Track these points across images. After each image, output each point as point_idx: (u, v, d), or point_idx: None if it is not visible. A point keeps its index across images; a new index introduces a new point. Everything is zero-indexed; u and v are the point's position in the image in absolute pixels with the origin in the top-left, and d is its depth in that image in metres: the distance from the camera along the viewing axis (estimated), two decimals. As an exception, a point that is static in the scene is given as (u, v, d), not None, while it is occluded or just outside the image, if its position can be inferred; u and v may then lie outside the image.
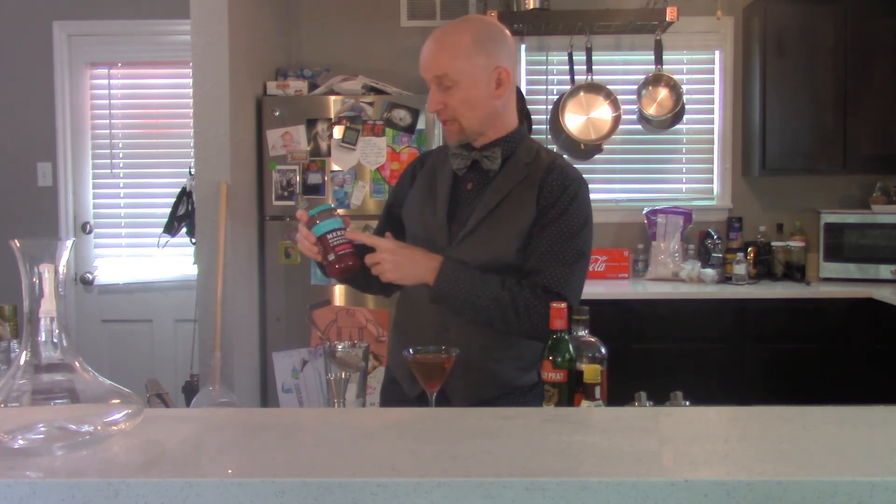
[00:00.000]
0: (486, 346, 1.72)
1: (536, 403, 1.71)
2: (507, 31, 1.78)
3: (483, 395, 1.72)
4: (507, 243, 1.72)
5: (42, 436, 1.06)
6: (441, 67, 1.69)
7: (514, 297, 1.64)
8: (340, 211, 1.93)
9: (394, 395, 1.85)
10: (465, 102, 1.71)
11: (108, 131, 4.39)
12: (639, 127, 4.23)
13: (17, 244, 1.07)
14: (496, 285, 1.65)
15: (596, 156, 4.21)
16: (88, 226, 4.39)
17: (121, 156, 4.40)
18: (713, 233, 4.10)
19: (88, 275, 4.37)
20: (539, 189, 1.73)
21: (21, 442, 1.04)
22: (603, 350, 1.53)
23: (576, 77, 4.10)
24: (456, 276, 1.65)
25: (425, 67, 1.73)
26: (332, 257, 1.65)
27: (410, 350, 1.51)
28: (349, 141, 3.65)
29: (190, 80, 3.39)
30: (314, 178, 3.67)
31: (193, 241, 3.55)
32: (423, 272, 1.65)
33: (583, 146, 4.10)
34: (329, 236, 1.64)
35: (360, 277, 1.78)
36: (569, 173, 1.76)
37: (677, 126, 4.19)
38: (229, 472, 1.00)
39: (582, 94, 4.06)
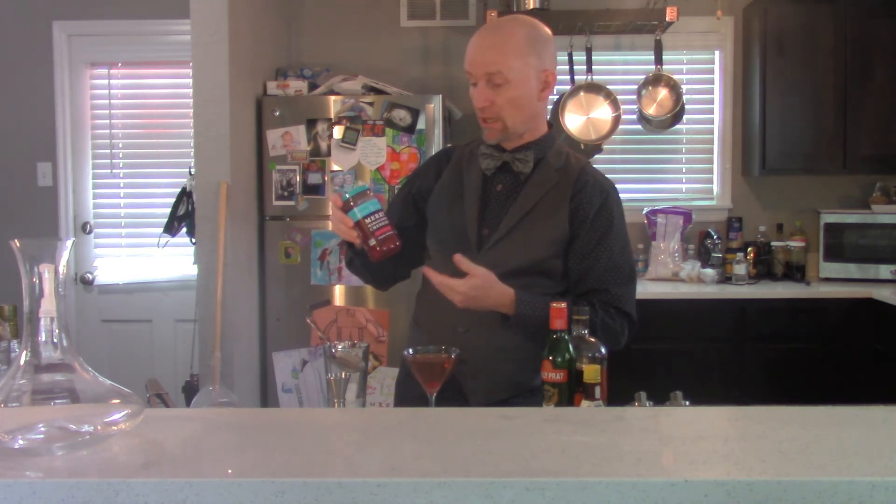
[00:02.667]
0: (505, 348, 1.73)
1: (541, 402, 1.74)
2: (552, 36, 1.78)
3: (500, 396, 1.73)
4: (539, 250, 1.72)
5: (42, 436, 1.06)
6: (496, 64, 1.68)
7: (591, 320, 1.64)
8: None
9: (411, 391, 1.80)
10: (513, 102, 1.71)
11: (108, 131, 4.38)
12: (639, 127, 4.23)
13: (17, 244, 1.07)
14: (580, 312, 1.64)
15: (596, 156, 4.20)
16: (88, 226, 4.39)
17: (121, 156, 4.40)
18: (713, 233, 4.10)
19: (88, 275, 4.37)
20: (572, 197, 1.74)
21: (21, 442, 1.04)
22: (603, 350, 1.53)
23: (576, 77, 4.10)
24: (532, 307, 1.66)
25: (476, 63, 1.70)
26: (373, 242, 1.61)
27: (410, 350, 1.51)
28: (349, 141, 3.64)
29: (190, 80, 3.39)
30: (314, 178, 3.66)
31: (193, 241, 3.55)
32: (499, 307, 1.66)
33: (583, 146, 4.09)
34: (367, 220, 1.61)
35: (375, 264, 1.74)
36: (602, 183, 1.79)
37: (677, 126, 4.19)
38: (229, 472, 1.00)
39: (582, 94, 4.06)
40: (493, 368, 1.71)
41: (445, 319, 1.74)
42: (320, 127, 3.66)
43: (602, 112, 4.07)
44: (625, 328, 1.73)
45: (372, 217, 1.61)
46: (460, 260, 1.61)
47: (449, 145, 1.97)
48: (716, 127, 4.30)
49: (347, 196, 1.62)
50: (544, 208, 1.74)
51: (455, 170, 1.85)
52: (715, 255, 4.01)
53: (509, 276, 1.70)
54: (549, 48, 1.75)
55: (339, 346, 1.53)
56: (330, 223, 1.73)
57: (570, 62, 4.12)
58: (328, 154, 3.66)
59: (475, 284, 1.62)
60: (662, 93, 4.06)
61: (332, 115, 3.66)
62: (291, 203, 3.68)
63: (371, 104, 3.65)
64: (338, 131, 3.65)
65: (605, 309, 1.71)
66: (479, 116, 1.74)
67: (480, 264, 1.68)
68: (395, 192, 2.01)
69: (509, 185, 1.78)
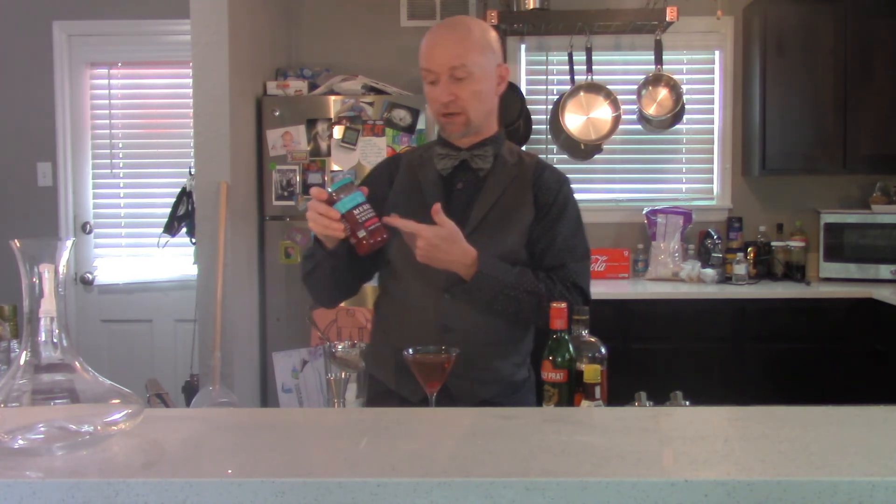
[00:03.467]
0: (489, 345, 1.74)
1: (530, 396, 1.80)
2: None
3: (487, 394, 1.73)
4: (510, 239, 1.74)
5: (42, 436, 1.06)
6: (459, 57, 1.69)
7: (549, 289, 1.69)
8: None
9: (374, 389, 1.80)
10: (476, 95, 1.73)
11: (108, 131, 4.38)
12: (639, 127, 4.23)
13: (17, 244, 1.07)
14: (531, 278, 1.70)
15: (596, 156, 4.21)
16: (88, 226, 4.39)
17: (121, 156, 4.40)
18: (713, 233, 4.10)
19: (88, 275, 4.37)
20: (534, 187, 1.78)
21: (21, 442, 1.04)
22: (603, 350, 1.54)
23: (576, 77, 4.10)
24: (493, 270, 1.66)
25: (439, 58, 1.71)
26: (362, 234, 1.57)
27: (410, 350, 1.51)
28: (349, 141, 3.65)
29: (190, 80, 3.39)
30: (314, 178, 3.66)
31: (193, 241, 3.55)
32: (458, 265, 1.64)
33: (583, 146, 4.10)
34: (355, 212, 1.56)
35: (344, 268, 1.73)
36: (558, 173, 1.86)
37: (677, 126, 4.19)
38: (229, 472, 1.00)
39: (582, 94, 4.06)
40: (480, 367, 1.72)
41: (425, 322, 1.72)
42: (320, 127, 3.66)
43: (602, 112, 4.07)
44: (579, 302, 1.73)
45: (359, 208, 1.57)
46: (437, 210, 1.60)
47: (396, 153, 1.96)
48: (716, 127, 4.30)
49: (333, 188, 1.58)
50: (509, 199, 1.77)
51: (409, 175, 1.84)
52: (715, 255, 4.01)
53: None
54: (498, 45, 1.79)
55: (339, 346, 1.53)
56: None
57: (570, 62, 4.12)
58: (328, 154, 3.66)
59: (441, 234, 1.60)
60: (662, 93, 4.06)
61: (332, 115, 3.66)
62: (291, 203, 3.68)
63: (371, 104, 3.65)
64: (338, 131, 3.65)
65: (564, 283, 1.73)
66: (441, 112, 1.74)
67: None
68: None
69: (470, 183, 1.79)
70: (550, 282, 1.71)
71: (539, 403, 1.51)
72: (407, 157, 1.90)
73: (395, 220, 1.60)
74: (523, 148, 4.22)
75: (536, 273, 1.72)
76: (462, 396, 1.69)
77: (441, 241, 1.61)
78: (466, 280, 1.66)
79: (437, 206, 1.61)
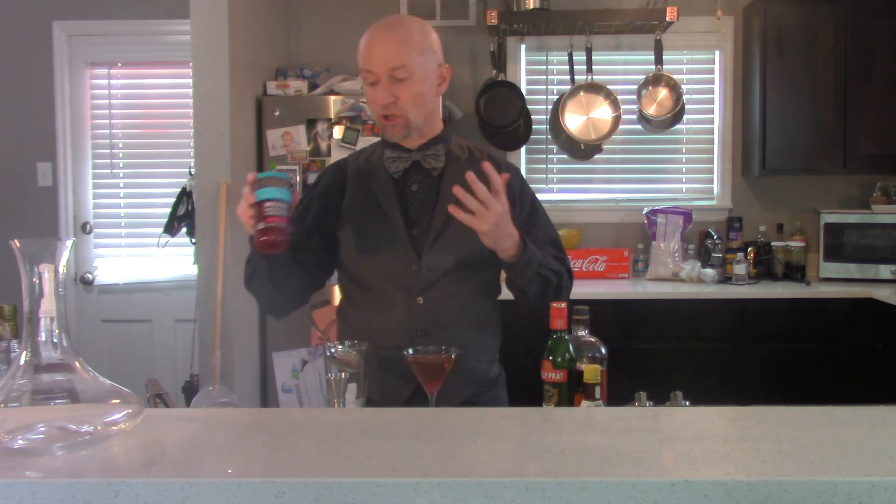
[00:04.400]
0: (465, 346, 1.72)
1: (503, 392, 1.84)
2: None
3: (466, 394, 1.74)
4: (477, 240, 1.71)
5: (42, 436, 1.06)
6: (399, 58, 1.66)
7: (561, 272, 1.76)
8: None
9: None
10: (416, 97, 1.70)
11: (108, 131, 4.39)
12: (639, 127, 4.23)
13: (17, 244, 1.07)
14: (554, 261, 1.75)
15: (596, 156, 4.21)
16: (88, 226, 4.39)
17: (121, 156, 4.40)
18: (713, 233, 4.10)
19: (88, 275, 4.37)
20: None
21: (21, 442, 1.04)
22: (603, 350, 1.54)
23: (576, 77, 4.10)
24: (533, 250, 1.67)
25: (378, 59, 1.67)
26: (262, 226, 1.50)
27: (410, 350, 1.51)
28: (349, 141, 3.64)
29: (190, 80, 3.39)
30: (314, 179, 3.66)
31: (193, 241, 3.55)
32: (512, 242, 1.62)
33: (583, 146, 4.10)
34: (267, 204, 1.49)
35: (283, 274, 1.70)
36: (509, 164, 1.88)
37: (677, 126, 4.19)
38: (229, 472, 1.00)
39: (582, 94, 4.06)
40: (457, 369, 1.71)
41: (401, 326, 1.70)
42: (320, 127, 3.66)
43: (602, 112, 4.07)
44: (571, 284, 1.83)
45: (272, 203, 1.49)
46: (473, 179, 1.52)
47: (340, 159, 1.91)
48: (716, 127, 4.30)
49: (261, 176, 1.51)
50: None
51: (359, 182, 1.80)
52: (715, 255, 4.01)
53: (452, 271, 1.73)
54: (439, 44, 1.77)
55: (339, 347, 1.53)
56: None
57: (570, 62, 4.12)
58: (328, 154, 3.66)
59: (504, 210, 1.55)
60: (662, 93, 4.06)
61: (332, 115, 3.66)
62: (291, 203, 3.67)
63: (371, 104, 3.65)
64: (338, 131, 3.65)
65: (566, 268, 1.81)
66: (380, 115, 1.71)
67: (425, 265, 1.71)
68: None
69: (425, 184, 1.77)
70: (560, 263, 1.77)
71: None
72: (353, 163, 1.85)
73: (458, 191, 1.53)
74: (523, 148, 4.25)
75: (555, 256, 1.78)
76: (442, 399, 1.67)
77: (504, 214, 1.57)
78: (506, 259, 1.65)
79: (472, 175, 1.53)
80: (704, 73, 4.30)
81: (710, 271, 3.91)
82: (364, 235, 1.77)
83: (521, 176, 1.88)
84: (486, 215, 1.53)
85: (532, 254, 1.66)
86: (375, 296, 1.76)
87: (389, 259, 1.74)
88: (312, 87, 3.83)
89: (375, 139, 3.66)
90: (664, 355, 3.61)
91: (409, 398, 1.71)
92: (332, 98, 3.68)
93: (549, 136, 4.24)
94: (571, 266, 1.86)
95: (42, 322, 1.09)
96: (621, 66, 4.27)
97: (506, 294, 1.85)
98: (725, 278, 3.93)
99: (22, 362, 1.09)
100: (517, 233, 1.62)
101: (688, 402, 1.52)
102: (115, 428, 1.09)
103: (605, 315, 2.95)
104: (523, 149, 4.27)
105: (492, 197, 1.53)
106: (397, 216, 1.74)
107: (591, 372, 1.46)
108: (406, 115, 1.70)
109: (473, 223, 1.54)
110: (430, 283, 1.72)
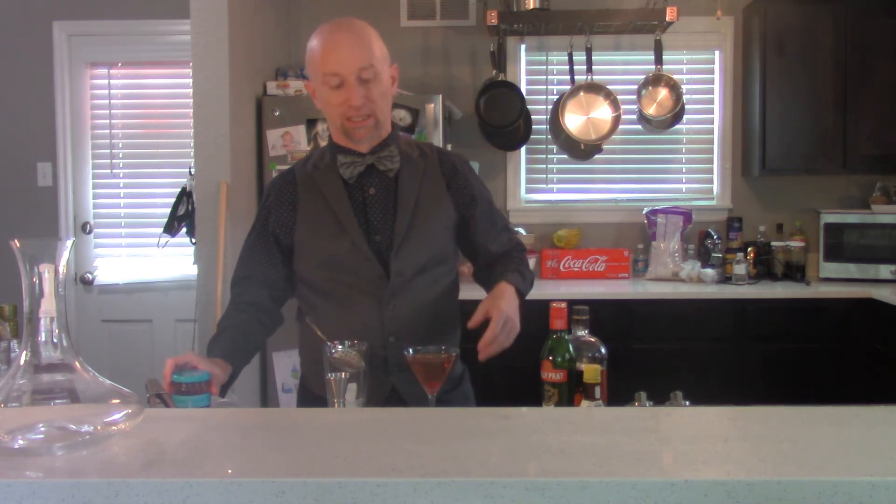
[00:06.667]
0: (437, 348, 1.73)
1: (469, 386, 1.87)
2: None
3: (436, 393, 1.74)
4: (438, 240, 1.76)
5: (42, 436, 1.07)
6: (366, 59, 1.66)
7: (522, 252, 1.87)
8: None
9: (311, 393, 1.84)
10: (383, 96, 1.71)
11: (108, 131, 4.38)
12: (639, 127, 4.23)
13: (17, 244, 1.07)
14: (522, 268, 1.79)
15: (596, 156, 4.21)
16: (88, 226, 4.39)
17: (121, 156, 4.40)
18: (713, 233, 4.10)
19: (88, 275, 4.37)
20: (448, 183, 1.79)
21: (21, 442, 1.04)
22: (603, 350, 1.54)
23: (576, 77, 4.10)
24: (519, 284, 1.72)
25: (346, 60, 1.65)
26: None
27: (410, 350, 1.51)
28: (349, 141, 3.64)
29: (190, 80, 3.39)
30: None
31: (193, 241, 3.55)
32: (516, 304, 1.66)
33: (583, 146, 4.10)
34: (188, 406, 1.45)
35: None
36: (460, 157, 1.89)
37: (677, 126, 4.19)
38: (229, 472, 1.00)
39: (582, 94, 4.06)
40: None
41: (367, 331, 1.67)
42: (320, 127, 3.66)
43: (602, 112, 4.07)
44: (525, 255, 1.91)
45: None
46: (475, 324, 1.59)
47: (285, 170, 1.87)
48: (716, 127, 4.29)
49: (182, 381, 1.46)
50: (427, 198, 1.76)
51: (309, 191, 1.76)
52: (715, 255, 4.01)
53: (419, 274, 1.73)
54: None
55: (339, 347, 1.53)
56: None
57: (570, 62, 4.12)
58: (328, 154, 3.66)
59: (507, 310, 1.59)
60: (662, 93, 4.06)
61: (332, 115, 3.66)
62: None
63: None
64: (338, 131, 3.65)
65: (519, 251, 1.87)
66: (349, 116, 1.68)
67: (394, 271, 1.70)
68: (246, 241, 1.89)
69: (382, 186, 1.75)
70: (523, 263, 1.83)
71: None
72: (301, 172, 1.81)
73: (483, 351, 1.56)
74: (524, 147, 4.25)
75: (510, 258, 1.82)
76: (414, 399, 1.66)
77: (511, 315, 1.59)
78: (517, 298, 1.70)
79: (480, 321, 1.58)
80: (704, 73, 4.30)
81: (710, 271, 3.91)
82: (324, 246, 1.73)
83: (473, 170, 1.89)
84: (508, 333, 1.58)
85: (521, 287, 1.72)
86: (341, 303, 1.73)
87: (354, 268, 1.71)
88: (312, 87, 3.82)
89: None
90: (664, 355, 3.60)
91: (386, 400, 1.71)
92: (332, 98, 3.68)
93: (549, 136, 4.24)
94: (518, 242, 1.93)
95: (42, 322, 1.09)
96: (621, 66, 4.27)
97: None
98: (725, 278, 3.93)
99: (22, 362, 1.09)
100: (507, 293, 1.65)
101: (688, 402, 1.52)
102: (115, 428, 1.09)
103: (605, 315, 2.95)
104: (523, 149, 4.27)
105: (495, 329, 1.55)
106: (353, 223, 1.71)
107: (591, 372, 1.46)
108: (376, 114, 1.69)
109: (507, 341, 1.59)
110: (398, 288, 1.71)
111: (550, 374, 1.48)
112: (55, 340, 1.10)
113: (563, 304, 1.51)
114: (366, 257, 1.71)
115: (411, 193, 1.74)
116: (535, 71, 4.31)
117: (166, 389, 1.48)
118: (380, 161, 1.74)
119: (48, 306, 1.08)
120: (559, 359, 1.48)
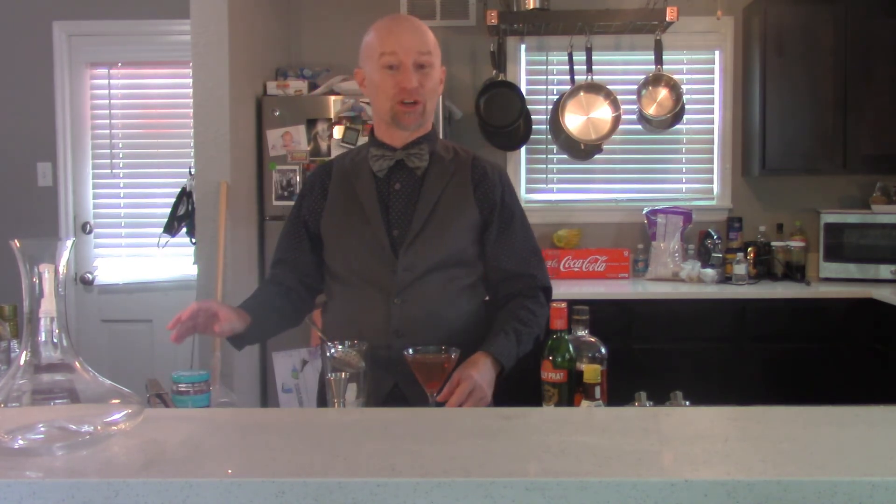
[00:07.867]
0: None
1: None
2: None
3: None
4: (455, 240, 1.74)
5: (42, 436, 1.06)
6: (426, 45, 1.70)
7: (537, 317, 1.73)
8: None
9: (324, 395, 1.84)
10: (434, 88, 1.74)
11: (108, 131, 4.38)
12: (639, 127, 4.23)
13: (17, 244, 1.07)
14: (528, 328, 1.71)
15: (596, 156, 4.21)
16: (88, 226, 4.39)
17: (121, 156, 4.40)
18: (713, 233, 4.10)
19: (88, 275, 4.37)
20: (476, 186, 1.78)
21: (21, 442, 1.04)
22: (603, 350, 1.54)
23: (576, 77, 4.10)
24: (504, 352, 1.65)
25: (407, 42, 1.68)
26: None
27: (410, 350, 1.51)
28: (349, 141, 3.64)
29: (190, 80, 3.39)
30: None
31: (193, 241, 3.55)
32: (492, 369, 1.61)
33: (583, 146, 4.10)
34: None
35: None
36: (497, 167, 1.85)
37: (677, 126, 4.19)
38: (229, 472, 1.00)
39: (582, 94, 4.06)
40: None
41: (379, 325, 1.70)
42: (320, 127, 3.66)
43: (602, 112, 4.07)
44: (548, 305, 1.77)
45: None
46: (442, 396, 1.53)
47: (328, 160, 1.93)
48: (716, 127, 4.29)
49: (182, 379, 1.51)
50: (450, 198, 1.75)
51: (343, 182, 1.81)
52: (715, 255, 4.01)
53: (432, 272, 1.72)
54: None
55: (339, 347, 1.53)
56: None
57: (570, 62, 4.12)
58: (328, 154, 3.66)
59: (478, 380, 1.55)
60: (662, 93, 4.06)
61: (332, 115, 3.66)
62: (291, 203, 3.66)
63: (371, 104, 3.65)
64: (338, 131, 3.65)
65: (536, 296, 1.77)
66: (399, 100, 1.70)
67: (401, 266, 1.70)
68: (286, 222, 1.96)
69: (408, 183, 1.77)
70: (530, 310, 1.73)
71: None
72: (338, 164, 1.86)
73: (449, 402, 1.53)
74: (523, 147, 4.25)
75: (518, 314, 1.72)
76: (415, 397, 1.66)
77: (481, 384, 1.54)
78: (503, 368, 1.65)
79: (445, 397, 1.52)
80: (704, 73, 4.30)
81: (710, 271, 3.91)
82: (346, 235, 1.77)
83: (508, 181, 1.84)
84: (476, 403, 1.53)
85: (505, 355, 1.64)
86: (354, 295, 1.76)
87: (369, 259, 1.74)
88: (312, 87, 3.83)
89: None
90: (664, 355, 3.60)
91: (388, 396, 1.71)
92: (332, 98, 3.68)
93: (549, 136, 4.24)
94: (548, 278, 1.82)
95: (42, 322, 1.09)
96: (621, 66, 4.27)
97: None
98: (725, 278, 3.93)
99: (22, 362, 1.09)
100: (492, 366, 1.60)
101: (688, 402, 1.53)
102: (115, 428, 1.09)
103: (605, 315, 2.95)
104: (523, 149, 4.27)
105: (460, 396, 1.51)
106: (377, 215, 1.74)
107: (591, 372, 1.46)
108: (425, 102, 1.72)
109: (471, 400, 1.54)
110: (407, 284, 1.71)
111: (550, 374, 1.48)
112: (55, 340, 1.10)
113: (564, 305, 1.51)
114: (381, 249, 1.73)
115: (434, 192, 1.75)
116: (535, 71, 4.31)
117: (182, 318, 1.52)
118: (409, 158, 1.76)
119: (48, 306, 1.08)
120: (559, 359, 1.48)
